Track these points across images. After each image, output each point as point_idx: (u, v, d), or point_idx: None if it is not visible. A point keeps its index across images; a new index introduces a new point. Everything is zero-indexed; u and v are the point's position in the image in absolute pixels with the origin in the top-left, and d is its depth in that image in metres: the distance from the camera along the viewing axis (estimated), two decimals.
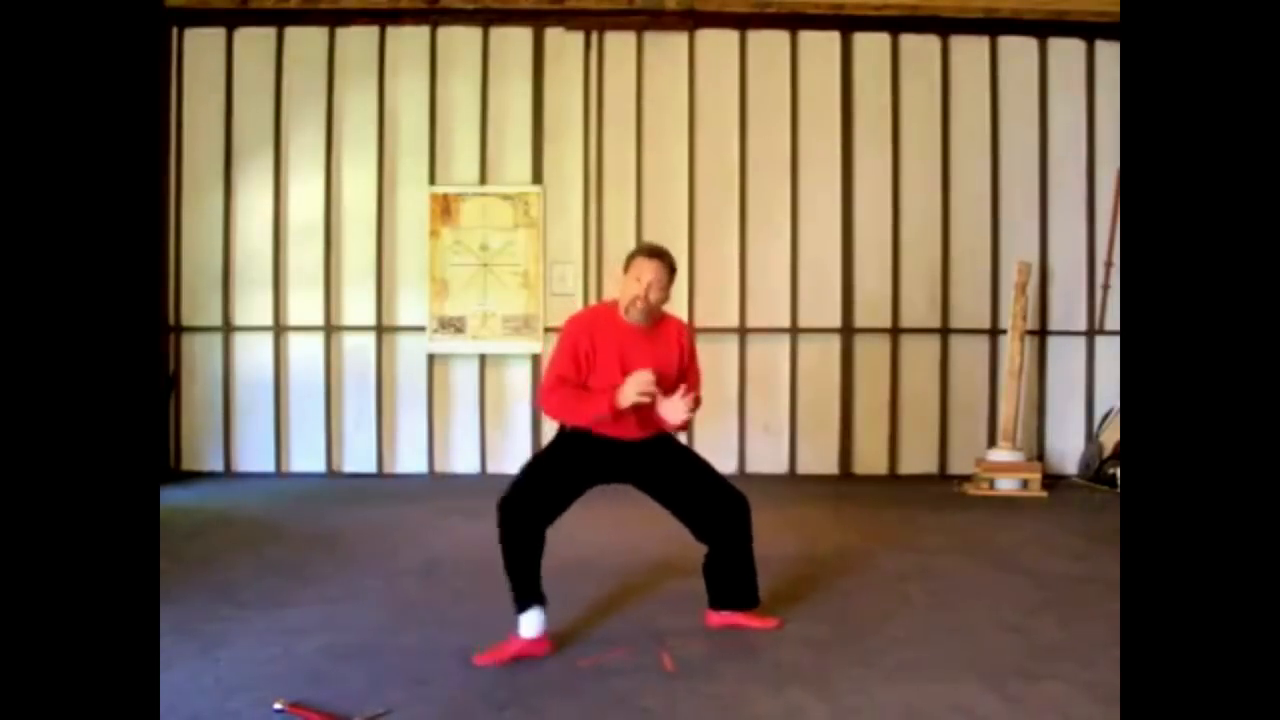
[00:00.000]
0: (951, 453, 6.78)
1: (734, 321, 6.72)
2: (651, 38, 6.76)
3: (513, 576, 2.90)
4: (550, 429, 6.57)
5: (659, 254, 3.01)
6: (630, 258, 3.04)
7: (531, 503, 2.91)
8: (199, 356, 6.78)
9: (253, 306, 6.78)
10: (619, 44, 6.76)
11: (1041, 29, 6.73)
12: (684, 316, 6.60)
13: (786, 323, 6.76)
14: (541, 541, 2.93)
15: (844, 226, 6.78)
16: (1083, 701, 2.56)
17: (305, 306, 6.78)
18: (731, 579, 3.18)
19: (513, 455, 6.74)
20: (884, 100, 6.78)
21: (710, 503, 3.12)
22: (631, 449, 3.07)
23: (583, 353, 2.97)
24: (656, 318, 3.09)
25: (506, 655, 2.86)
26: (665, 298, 3.03)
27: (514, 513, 2.89)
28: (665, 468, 3.11)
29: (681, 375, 3.08)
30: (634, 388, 2.84)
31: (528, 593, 2.89)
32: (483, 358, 6.76)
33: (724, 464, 6.50)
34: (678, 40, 6.76)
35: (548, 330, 6.66)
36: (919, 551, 4.41)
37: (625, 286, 3.00)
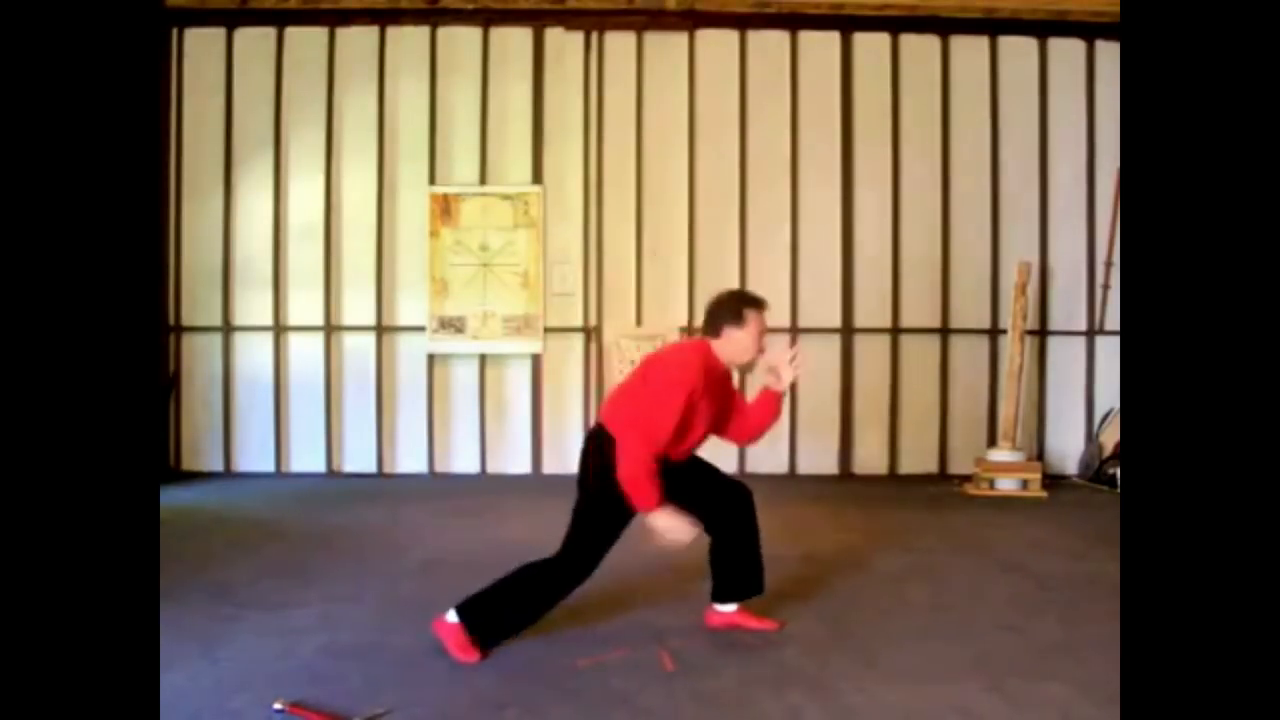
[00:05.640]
0: (951, 453, 6.78)
1: None
2: (651, 38, 6.76)
3: (512, 624, 2.91)
4: (551, 427, 6.65)
5: (766, 305, 3.07)
6: (744, 309, 2.98)
7: (595, 565, 2.97)
8: (199, 356, 6.78)
9: (253, 306, 6.78)
10: (619, 44, 6.76)
11: (1041, 29, 6.74)
12: (684, 315, 6.63)
13: (787, 323, 6.75)
14: None
15: (844, 226, 6.78)
16: (1083, 701, 2.55)
17: (305, 306, 6.78)
18: (738, 568, 3.19)
19: (513, 455, 6.75)
20: (884, 100, 6.78)
21: (716, 494, 3.16)
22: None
23: (698, 398, 2.93)
24: None
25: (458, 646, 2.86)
26: None
27: (579, 578, 2.94)
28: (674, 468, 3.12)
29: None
30: (670, 533, 2.86)
31: (500, 639, 2.90)
32: (483, 358, 6.75)
33: (724, 464, 6.49)
34: (678, 40, 6.76)
35: (548, 330, 6.67)
36: (919, 551, 4.41)
37: (746, 342, 2.97)
